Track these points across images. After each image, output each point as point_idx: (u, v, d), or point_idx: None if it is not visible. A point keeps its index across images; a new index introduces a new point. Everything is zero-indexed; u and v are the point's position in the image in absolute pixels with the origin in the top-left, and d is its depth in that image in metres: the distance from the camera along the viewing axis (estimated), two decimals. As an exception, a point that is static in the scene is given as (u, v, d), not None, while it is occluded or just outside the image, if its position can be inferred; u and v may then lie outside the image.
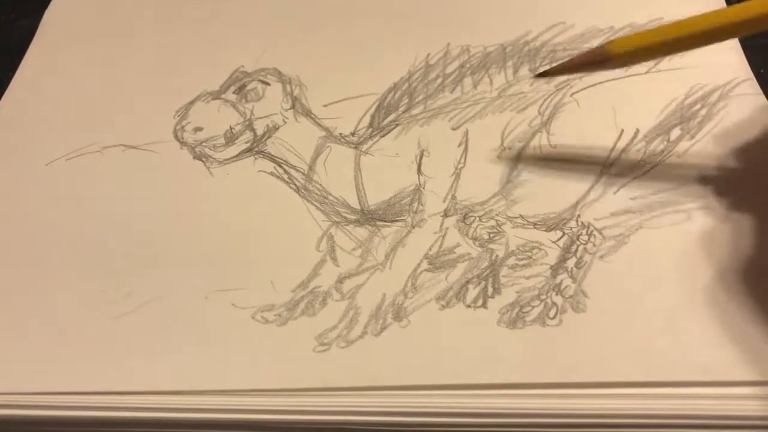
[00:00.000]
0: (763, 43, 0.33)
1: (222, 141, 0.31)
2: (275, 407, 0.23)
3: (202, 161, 0.30)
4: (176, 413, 0.23)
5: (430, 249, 0.26)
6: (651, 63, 0.32)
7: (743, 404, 0.22)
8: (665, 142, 0.29)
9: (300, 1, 0.36)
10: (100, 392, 0.24)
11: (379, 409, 0.23)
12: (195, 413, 0.23)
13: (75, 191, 0.29)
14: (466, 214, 0.27)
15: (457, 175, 0.29)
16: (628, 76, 0.31)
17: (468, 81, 0.32)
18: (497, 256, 0.26)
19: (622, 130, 0.29)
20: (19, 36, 0.37)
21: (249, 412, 0.23)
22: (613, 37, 0.31)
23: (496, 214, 0.27)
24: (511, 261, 0.26)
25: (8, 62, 0.35)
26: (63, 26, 0.36)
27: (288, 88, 0.32)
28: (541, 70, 0.27)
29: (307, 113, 0.31)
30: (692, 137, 0.29)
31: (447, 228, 0.27)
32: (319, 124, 0.31)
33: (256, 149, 0.30)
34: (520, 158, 0.29)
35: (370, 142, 0.30)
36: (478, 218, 0.27)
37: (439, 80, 0.32)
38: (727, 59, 0.31)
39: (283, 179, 0.29)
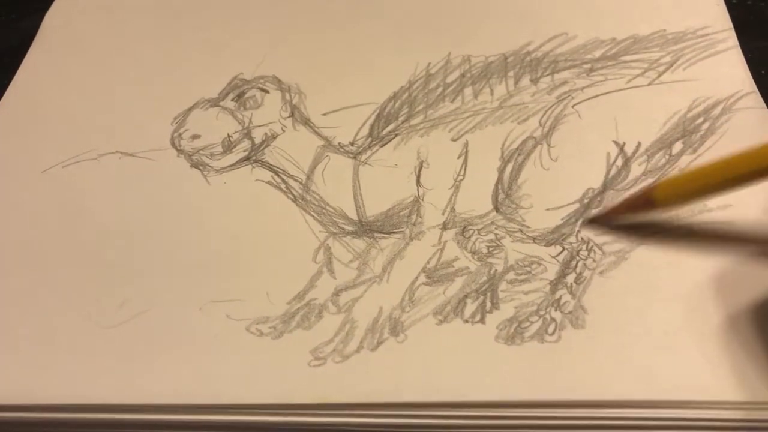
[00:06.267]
0: (764, 45, 0.33)
1: (219, 149, 0.30)
2: (268, 423, 0.23)
3: (199, 169, 0.30)
4: (166, 428, 0.23)
5: (428, 262, 0.26)
6: (654, 74, 0.31)
7: (739, 424, 0.22)
8: (667, 156, 0.28)
9: (300, 8, 0.36)
10: (91, 405, 0.23)
11: (374, 422, 0.23)
12: (187, 427, 0.23)
13: (71, 199, 0.29)
14: (465, 227, 0.27)
15: (457, 187, 0.28)
16: (631, 87, 0.31)
17: (469, 91, 0.31)
18: (496, 270, 0.26)
19: (624, 143, 0.29)
20: (19, 37, 0.37)
21: (241, 427, 0.23)
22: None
23: (496, 228, 0.27)
24: (510, 276, 0.25)
25: (8, 63, 0.35)
26: (62, 31, 0.36)
27: (287, 96, 0.32)
28: (592, 217, 0.27)
29: (306, 122, 0.31)
30: (694, 151, 0.28)
31: (446, 241, 0.27)
32: (317, 133, 0.31)
33: (253, 158, 0.30)
34: (520, 171, 0.28)
35: (369, 152, 0.30)
36: (477, 231, 0.27)
37: (440, 90, 0.32)
38: (730, 72, 0.31)
39: (280, 189, 0.29)
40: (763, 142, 0.23)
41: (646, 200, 0.26)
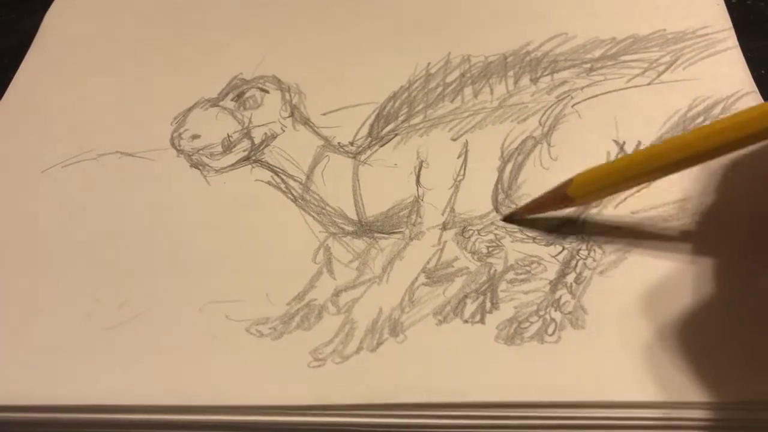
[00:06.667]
0: (764, 45, 0.33)
1: (219, 149, 0.30)
2: (268, 424, 0.23)
3: (199, 169, 0.30)
4: (166, 428, 0.23)
5: (428, 262, 0.26)
6: (654, 74, 0.31)
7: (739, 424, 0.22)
8: (667, 156, 0.28)
9: (300, 8, 0.36)
10: (91, 405, 0.23)
11: (374, 422, 0.23)
12: (186, 428, 0.23)
13: (71, 199, 0.29)
14: (464, 228, 0.27)
15: (456, 187, 0.28)
16: (631, 87, 0.31)
17: (468, 90, 0.31)
18: (496, 270, 0.26)
19: (624, 142, 0.29)
20: (18, 37, 0.37)
21: (241, 428, 0.23)
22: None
23: (495, 228, 0.27)
24: (510, 276, 0.25)
25: (8, 63, 0.35)
26: (62, 31, 0.36)
27: (287, 95, 0.32)
28: (507, 213, 0.27)
29: (306, 122, 0.31)
30: (694, 151, 0.28)
31: (445, 241, 0.27)
32: (317, 133, 0.31)
33: (253, 158, 0.30)
34: (520, 170, 0.28)
35: (368, 152, 0.30)
36: (476, 232, 0.27)
37: (440, 89, 0.32)
38: (730, 72, 0.31)
39: (280, 189, 0.29)
40: (664, 140, 0.24)
41: (562, 196, 0.26)
